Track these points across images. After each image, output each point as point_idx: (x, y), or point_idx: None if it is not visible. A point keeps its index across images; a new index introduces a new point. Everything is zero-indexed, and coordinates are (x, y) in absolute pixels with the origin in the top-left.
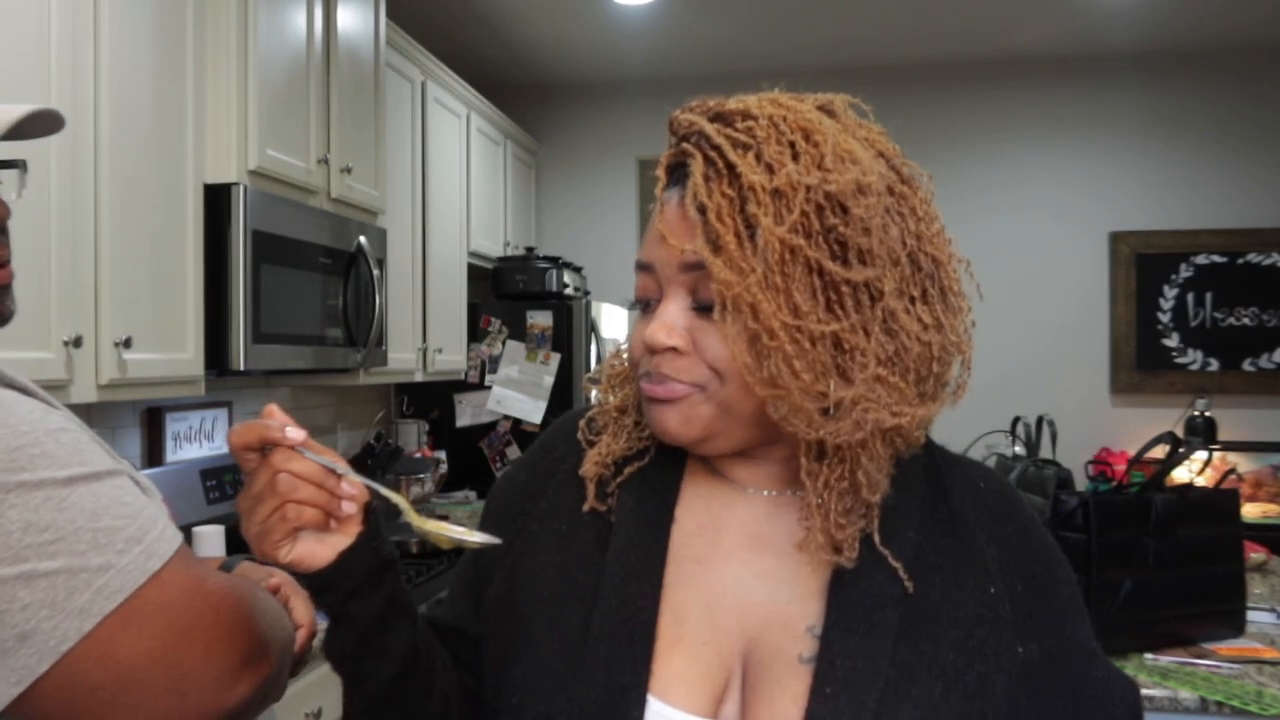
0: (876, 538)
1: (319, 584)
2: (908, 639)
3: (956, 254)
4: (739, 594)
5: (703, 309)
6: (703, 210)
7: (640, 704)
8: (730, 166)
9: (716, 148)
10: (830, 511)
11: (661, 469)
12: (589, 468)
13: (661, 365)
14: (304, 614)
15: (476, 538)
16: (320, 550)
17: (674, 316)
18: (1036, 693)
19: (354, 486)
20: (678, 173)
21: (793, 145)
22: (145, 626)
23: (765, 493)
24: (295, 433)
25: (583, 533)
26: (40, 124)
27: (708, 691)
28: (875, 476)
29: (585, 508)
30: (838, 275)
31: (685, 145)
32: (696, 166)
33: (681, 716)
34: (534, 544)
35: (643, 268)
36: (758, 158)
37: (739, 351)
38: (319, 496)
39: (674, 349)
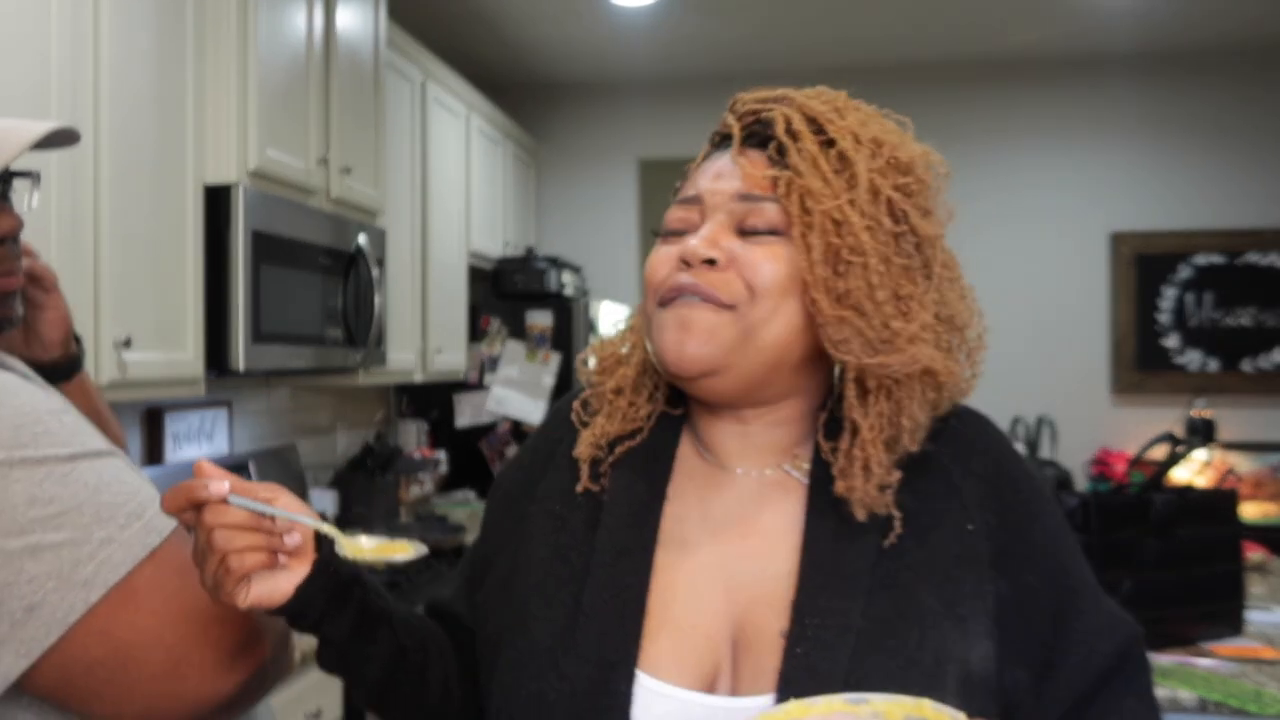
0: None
1: (286, 617)
2: (884, 590)
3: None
4: (725, 577)
5: (748, 236)
6: (796, 136)
7: (629, 680)
8: (813, 119)
9: (800, 105)
10: (873, 457)
11: (653, 450)
12: (582, 449)
13: (695, 276)
14: None
15: (403, 556)
16: (278, 587)
17: (716, 234)
18: (1007, 629)
19: (286, 524)
20: (753, 136)
21: (871, 118)
22: (142, 604)
23: (755, 472)
24: (218, 486)
25: (576, 513)
26: (57, 138)
27: (698, 673)
28: (919, 420)
29: (579, 489)
30: (911, 221)
31: (757, 106)
32: (784, 112)
33: (672, 690)
34: (533, 526)
35: (687, 201)
36: (842, 117)
37: (817, 265)
38: (257, 540)
39: (712, 261)
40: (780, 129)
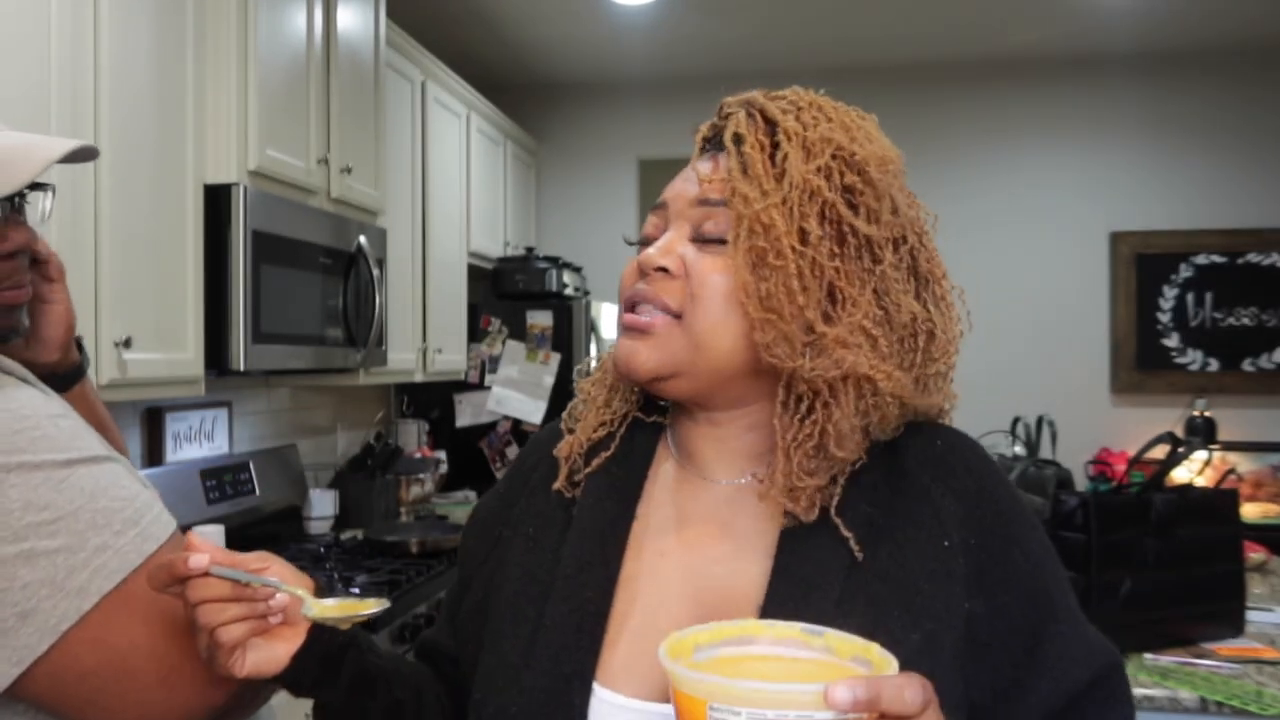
0: (833, 508)
1: (283, 684)
2: (851, 604)
3: (952, 281)
4: (695, 581)
5: (703, 243)
6: (739, 140)
7: (585, 692)
8: (769, 119)
9: (760, 107)
10: (793, 457)
11: (628, 459)
12: (563, 447)
13: (649, 284)
14: None
15: (367, 611)
16: (274, 655)
17: (672, 242)
18: (978, 648)
19: (266, 589)
20: (715, 140)
21: (829, 117)
22: (136, 612)
23: (731, 481)
24: (197, 560)
25: (549, 534)
26: (77, 154)
27: (658, 680)
28: (842, 429)
29: (555, 486)
30: (848, 223)
31: (729, 109)
32: (738, 116)
33: (627, 703)
34: (507, 549)
35: (656, 207)
36: (798, 119)
37: (742, 270)
38: (241, 611)
39: (665, 270)
40: (728, 133)
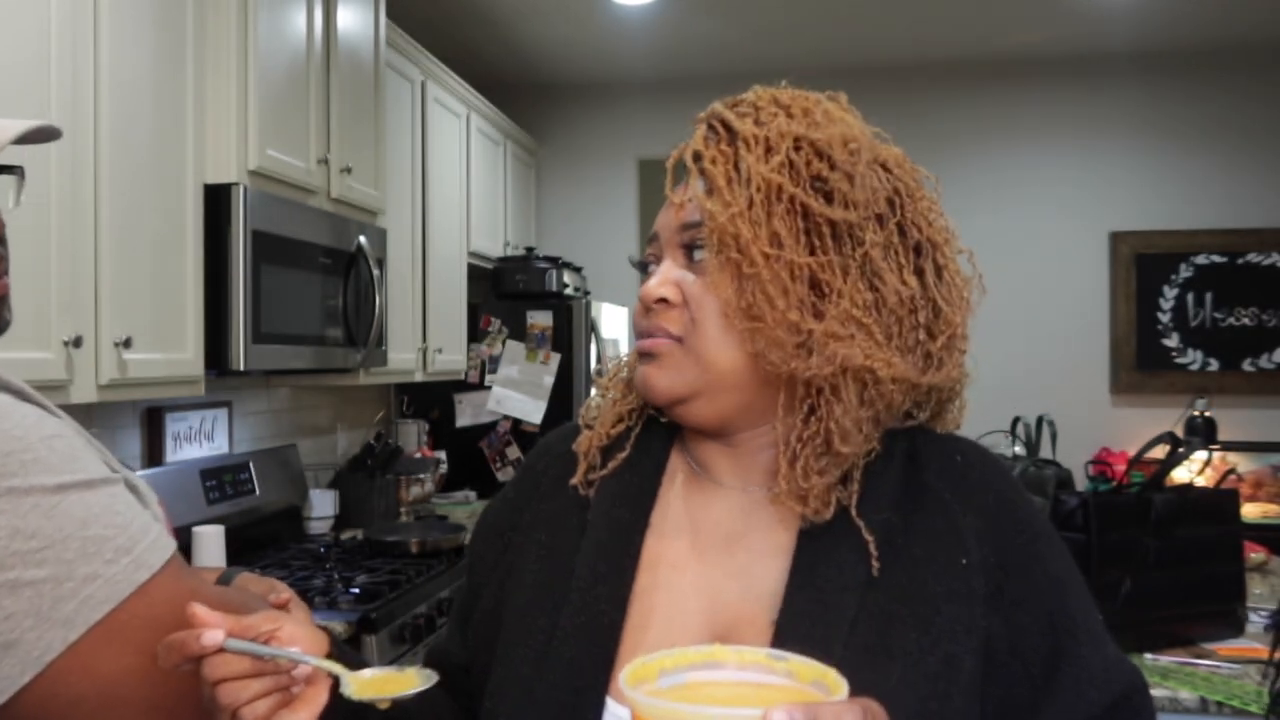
0: (853, 507)
1: None
2: (869, 621)
3: (958, 244)
4: (710, 595)
5: (694, 262)
6: (698, 158)
7: (598, 707)
8: (728, 127)
9: (721, 118)
10: (800, 459)
11: (640, 467)
12: (582, 442)
13: (652, 317)
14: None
15: (411, 689)
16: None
17: (667, 271)
18: (995, 668)
19: (291, 664)
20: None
21: (787, 108)
22: (129, 641)
23: (746, 488)
24: (211, 637)
25: (561, 541)
26: (37, 134)
27: None
28: (845, 425)
29: (572, 481)
30: (818, 213)
31: (695, 125)
32: (699, 131)
33: None
34: (519, 556)
35: (651, 239)
36: (756, 121)
37: (722, 285)
38: (265, 686)
39: (665, 300)
40: (688, 152)
